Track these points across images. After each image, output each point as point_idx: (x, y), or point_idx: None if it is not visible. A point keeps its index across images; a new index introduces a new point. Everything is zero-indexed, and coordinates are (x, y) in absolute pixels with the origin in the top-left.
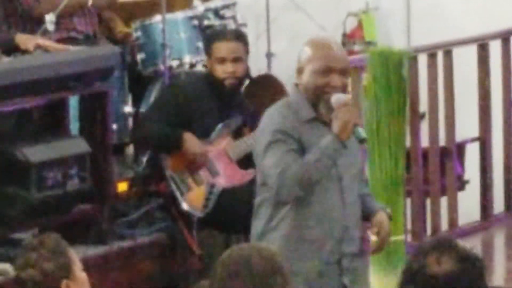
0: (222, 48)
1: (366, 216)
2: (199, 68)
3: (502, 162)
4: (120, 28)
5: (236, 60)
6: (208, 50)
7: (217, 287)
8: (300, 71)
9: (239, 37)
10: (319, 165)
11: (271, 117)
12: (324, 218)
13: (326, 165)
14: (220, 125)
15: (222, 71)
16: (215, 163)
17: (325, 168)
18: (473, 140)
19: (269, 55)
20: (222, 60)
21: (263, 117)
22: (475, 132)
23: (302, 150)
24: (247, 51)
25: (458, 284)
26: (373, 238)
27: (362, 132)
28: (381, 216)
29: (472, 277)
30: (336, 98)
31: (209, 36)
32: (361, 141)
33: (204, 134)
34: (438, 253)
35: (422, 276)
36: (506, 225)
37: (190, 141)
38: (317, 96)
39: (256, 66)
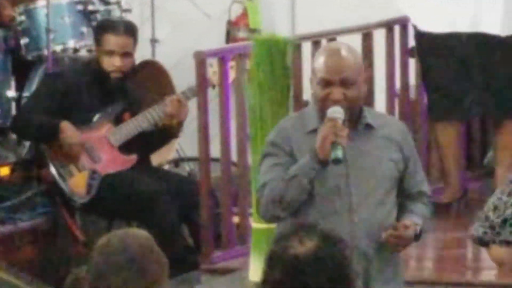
0: (112, 41)
1: None
2: (83, 53)
3: None
4: (8, 11)
5: (124, 55)
6: (97, 39)
7: (94, 273)
8: (311, 80)
9: (130, 31)
10: (294, 183)
11: (276, 126)
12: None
13: (301, 184)
14: (101, 112)
15: (110, 64)
16: (97, 149)
17: (300, 187)
18: None
19: (153, 41)
20: (111, 53)
21: None
22: None
23: (294, 163)
24: (136, 44)
25: (321, 263)
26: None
27: (340, 151)
28: (406, 221)
29: (335, 255)
30: (330, 111)
31: (101, 26)
32: (334, 161)
33: (86, 121)
34: (300, 235)
35: (286, 257)
36: None
37: (67, 131)
38: (321, 108)
39: (140, 52)
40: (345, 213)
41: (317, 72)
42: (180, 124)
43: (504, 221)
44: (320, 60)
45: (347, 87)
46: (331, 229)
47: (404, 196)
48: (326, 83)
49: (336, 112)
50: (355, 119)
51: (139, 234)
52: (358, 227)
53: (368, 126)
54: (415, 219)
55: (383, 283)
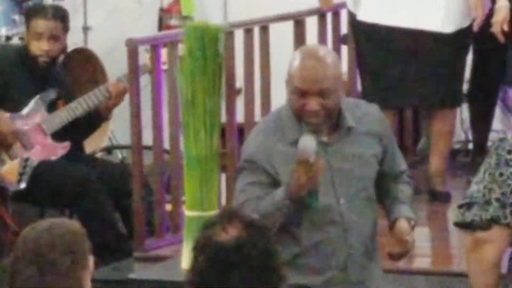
0: (40, 24)
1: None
2: (16, 41)
3: None
4: None
5: (52, 38)
6: (27, 24)
7: (13, 266)
8: (286, 83)
9: (59, 15)
10: (269, 218)
11: (252, 137)
12: (320, 246)
13: (276, 219)
14: (34, 99)
15: (37, 48)
16: (29, 137)
17: (275, 221)
18: None
19: (85, 29)
20: (39, 37)
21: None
22: None
23: (274, 179)
24: (66, 30)
25: (243, 251)
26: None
27: (315, 199)
28: (400, 225)
29: (258, 243)
30: (301, 146)
31: (30, 11)
32: (308, 206)
33: (17, 108)
34: (224, 223)
35: (209, 245)
36: None
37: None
38: (297, 118)
39: (72, 40)
40: (337, 220)
41: (292, 80)
42: (112, 107)
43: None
44: (296, 66)
45: (324, 97)
46: (255, 217)
47: (386, 178)
48: (302, 93)
49: (308, 146)
50: (335, 122)
51: (58, 225)
52: (350, 233)
53: (349, 128)
54: (406, 213)
55: (370, 279)
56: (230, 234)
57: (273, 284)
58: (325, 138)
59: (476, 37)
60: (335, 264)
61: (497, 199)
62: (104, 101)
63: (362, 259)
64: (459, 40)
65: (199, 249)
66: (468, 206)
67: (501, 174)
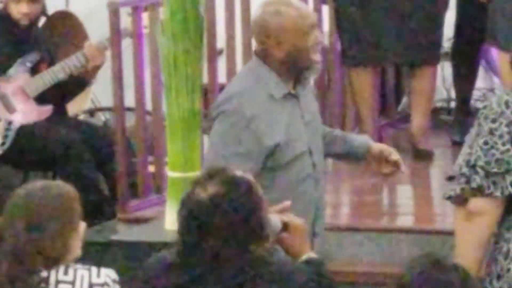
0: None
1: (355, 154)
2: None
3: None
4: None
5: (32, 1)
6: None
7: (4, 225)
8: (277, 42)
9: None
10: None
11: (237, 95)
12: (299, 198)
13: None
14: (16, 62)
15: (17, 11)
16: (12, 99)
17: None
18: None
19: None
20: (17, 0)
21: (232, 92)
22: None
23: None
24: None
25: (222, 205)
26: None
27: None
28: (380, 147)
29: (234, 200)
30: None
31: None
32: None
33: (0, 72)
34: (204, 181)
35: (189, 203)
36: None
37: None
38: (304, 63)
39: (54, 3)
40: (311, 172)
41: (305, 22)
42: (94, 70)
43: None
44: (293, 13)
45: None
46: (238, 174)
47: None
48: (314, 27)
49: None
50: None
51: (52, 187)
52: (319, 185)
53: (308, 81)
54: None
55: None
56: (208, 191)
57: (252, 241)
58: (293, 90)
59: None
60: (309, 217)
61: (482, 167)
62: (82, 65)
63: (323, 212)
64: None
65: (180, 208)
66: (457, 178)
67: (485, 143)
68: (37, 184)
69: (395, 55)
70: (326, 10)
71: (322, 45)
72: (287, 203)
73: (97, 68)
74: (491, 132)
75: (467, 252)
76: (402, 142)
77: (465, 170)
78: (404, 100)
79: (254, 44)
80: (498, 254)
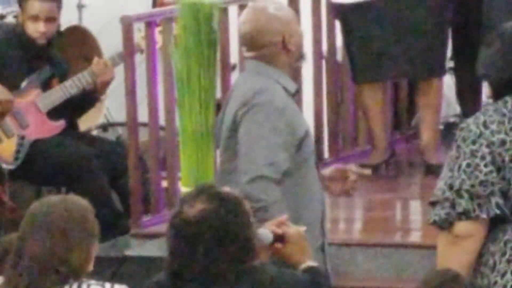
0: (36, 6)
1: None
2: (10, 19)
3: (312, 115)
4: None
5: (49, 20)
6: (21, 5)
7: (22, 239)
8: (286, 41)
9: None
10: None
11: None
12: (312, 200)
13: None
14: (29, 77)
15: (34, 29)
16: (25, 114)
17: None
18: None
19: (80, 7)
20: (35, 18)
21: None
22: None
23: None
24: (60, 8)
25: (208, 222)
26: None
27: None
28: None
29: (224, 214)
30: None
31: None
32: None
33: (12, 86)
34: (192, 198)
35: (179, 221)
36: None
37: None
38: (293, 69)
39: (67, 17)
40: (316, 177)
41: (295, 25)
42: (103, 86)
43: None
44: (286, 8)
45: None
46: (227, 190)
47: None
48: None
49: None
50: None
51: (70, 200)
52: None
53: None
54: None
55: None
56: (196, 208)
57: (242, 257)
58: None
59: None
60: (318, 215)
61: (467, 191)
62: (92, 80)
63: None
64: (441, 10)
65: (169, 227)
66: (440, 202)
67: (468, 165)
68: (55, 197)
69: (401, 70)
70: (338, 25)
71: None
72: (283, 217)
73: (106, 84)
74: (472, 154)
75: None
76: (415, 157)
77: (448, 194)
78: (417, 116)
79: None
80: (484, 268)
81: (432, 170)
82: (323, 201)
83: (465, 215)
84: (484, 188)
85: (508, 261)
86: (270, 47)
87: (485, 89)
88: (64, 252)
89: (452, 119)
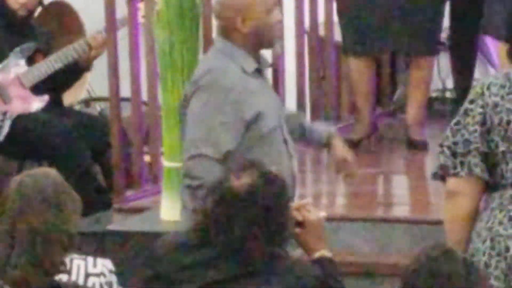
0: None
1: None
2: None
3: (295, 90)
4: None
5: None
6: None
7: (11, 213)
8: (242, 19)
9: None
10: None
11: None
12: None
13: None
14: (12, 52)
15: (15, 1)
16: (8, 89)
17: None
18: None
19: None
20: None
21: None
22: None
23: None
24: None
25: (255, 197)
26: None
27: None
28: (338, 146)
29: (268, 194)
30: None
31: None
32: None
33: None
34: (240, 170)
35: (221, 188)
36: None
37: None
38: (270, 39)
39: None
40: (284, 149)
41: (259, 12)
42: (94, 58)
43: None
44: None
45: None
46: (273, 169)
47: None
48: (276, 4)
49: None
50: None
51: (50, 172)
52: (293, 160)
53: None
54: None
55: None
56: (242, 181)
57: (275, 237)
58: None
59: None
60: None
61: (448, 147)
62: (84, 54)
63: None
64: None
65: (210, 192)
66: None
67: (457, 123)
68: (36, 171)
69: (395, 44)
70: (321, 0)
71: (281, 23)
72: (306, 200)
73: (96, 57)
74: (466, 112)
75: (448, 231)
76: (397, 132)
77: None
78: (399, 90)
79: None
80: (473, 233)
81: (416, 145)
82: (293, 179)
83: (444, 170)
84: (466, 147)
85: (489, 229)
86: (226, 22)
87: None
88: (62, 222)
89: (434, 94)
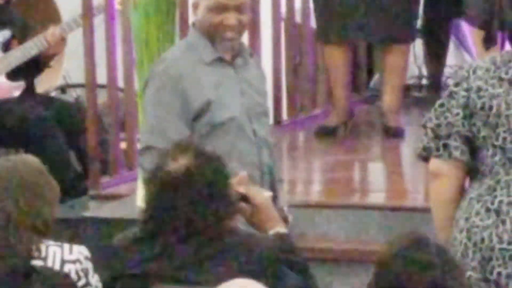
0: None
1: None
2: None
3: (271, 77)
4: None
5: None
6: None
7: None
8: (195, 6)
9: None
10: None
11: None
12: (238, 161)
13: None
14: None
15: None
16: None
17: None
18: None
19: None
20: None
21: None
22: None
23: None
24: None
25: (193, 177)
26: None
27: None
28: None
29: (206, 172)
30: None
31: None
32: None
33: None
34: (175, 153)
35: (159, 174)
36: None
37: None
38: (212, 35)
39: None
40: (252, 139)
41: (212, 0)
42: (51, 57)
43: None
44: None
45: (241, 13)
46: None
47: None
48: (222, 8)
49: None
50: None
51: (28, 158)
52: (262, 150)
53: (251, 54)
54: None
55: None
56: (179, 162)
57: (221, 212)
58: (229, 59)
59: None
60: (253, 182)
61: (432, 129)
62: (44, 50)
63: (269, 177)
64: None
65: (150, 179)
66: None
67: (441, 105)
68: (13, 157)
69: (369, 32)
70: None
71: (232, 28)
72: (243, 174)
73: (54, 56)
74: (451, 95)
75: (433, 211)
76: (373, 119)
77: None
78: (376, 77)
79: None
80: (453, 221)
81: (392, 132)
82: (260, 169)
83: (426, 152)
84: (448, 130)
85: (466, 219)
86: (194, 9)
87: (452, 53)
88: (37, 209)
89: (410, 81)
